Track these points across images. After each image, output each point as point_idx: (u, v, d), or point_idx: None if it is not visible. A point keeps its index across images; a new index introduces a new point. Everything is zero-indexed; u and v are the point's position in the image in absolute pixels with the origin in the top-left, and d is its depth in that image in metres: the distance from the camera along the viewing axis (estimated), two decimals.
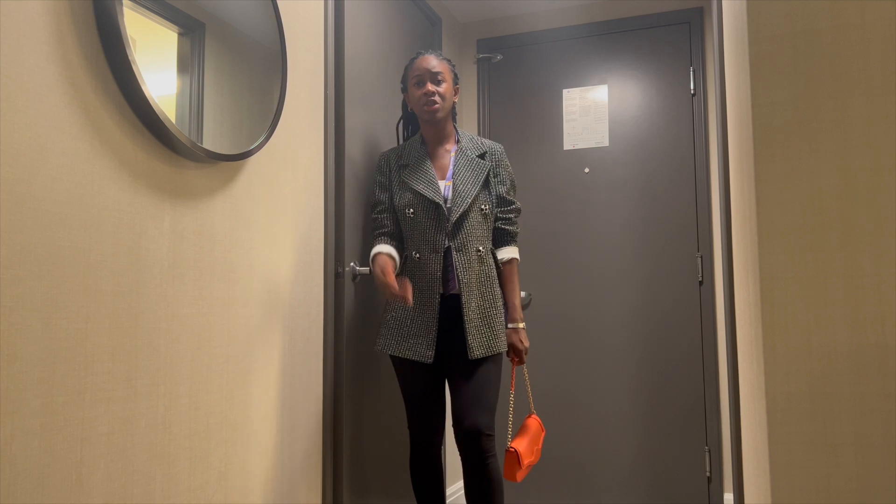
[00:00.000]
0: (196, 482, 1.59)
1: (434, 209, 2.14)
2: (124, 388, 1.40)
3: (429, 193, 2.14)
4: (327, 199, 2.20)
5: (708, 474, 3.01)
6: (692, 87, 3.15)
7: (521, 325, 2.21)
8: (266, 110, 1.85)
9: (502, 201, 2.25)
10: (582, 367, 3.22)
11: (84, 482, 1.31)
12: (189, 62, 1.56)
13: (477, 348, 2.07)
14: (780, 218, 1.47)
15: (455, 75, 2.27)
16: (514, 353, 2.20)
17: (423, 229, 2.14)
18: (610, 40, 3.31)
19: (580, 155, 3.30)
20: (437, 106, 2.17)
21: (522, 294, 3.31)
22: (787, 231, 1.46)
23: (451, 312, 2.16)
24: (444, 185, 2.18)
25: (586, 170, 3.29)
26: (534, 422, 2.29)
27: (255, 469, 1.81)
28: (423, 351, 2.10)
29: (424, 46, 3.01)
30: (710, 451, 3.01)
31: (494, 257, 2.22)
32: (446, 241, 2.13)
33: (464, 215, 2.14)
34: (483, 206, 2.18)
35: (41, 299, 1.23)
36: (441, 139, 2.25)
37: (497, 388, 2.12)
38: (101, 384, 1.35)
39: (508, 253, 2.25)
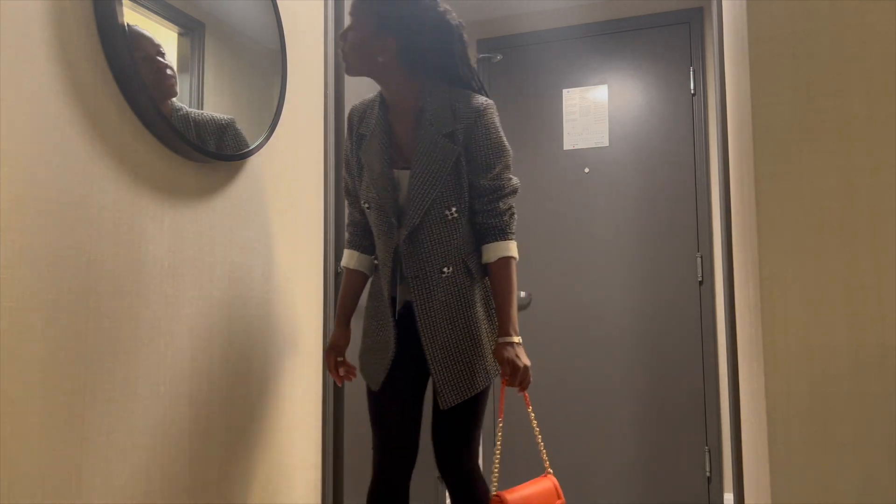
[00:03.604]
0: (196, 482, 1.59)
1: (384, 216, 1.65)
2: (124, 388, 1.40)
3: (377, 192, 1.64)
4: (327, 199, 2.20)
5: (708, 474, 3.01)
6: (692, 87, 3.15)
7: (517, 339, 1.58)
8: (266, 110, 1.85)
9: (482, 190, 1.62)
10: (581, 367, 3.22)
11: (84, 482, 1.31)
12: (189, 62, 1.56)
13: (448, 394, 1.59)
14: (780, 218, 1.46)
15: (378, 18, 1.58)
16: (509, 373, 1.56)
17: (378, 233, 1.68)
18: (610, 40, 3.31)
19: (580, 155, 3.30)
20: (347, 65, 1.64)
21: (522, 294, 3.30)
22: (787, 231, 1.46)
23: (413, 327, 1.69)
24: (400, 176, 1.64)
25: (586, 170, 3.29)
26: (548, 482, 1.69)
27: (255, 469, 1.81)
28: (376, 378, 1.69)
29: None
30: (710, 451, 3.01)
31: (470, 272, 1.64)
32: (395, 263, 1.66)
33: (418, 228, 1.60)
34: (448, 210, 1.60)
35: (41, 299, 1.23)
36: (400, 101, 1.66)
37: (478, 422, 1.67)
38: (101, 384, 1.35)
39: (495, 252, 1.62)
